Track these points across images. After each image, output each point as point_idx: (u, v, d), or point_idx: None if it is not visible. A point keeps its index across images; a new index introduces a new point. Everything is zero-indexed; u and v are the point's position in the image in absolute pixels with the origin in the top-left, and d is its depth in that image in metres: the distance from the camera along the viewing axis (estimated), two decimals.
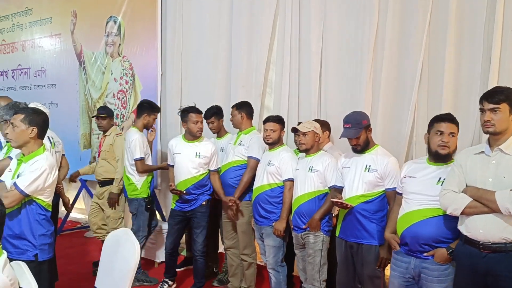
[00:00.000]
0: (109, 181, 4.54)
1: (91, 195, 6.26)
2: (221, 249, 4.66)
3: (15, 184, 2.59)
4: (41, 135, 2.74)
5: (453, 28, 3.50)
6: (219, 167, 4.02)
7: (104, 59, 6.04)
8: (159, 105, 4.97)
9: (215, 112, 4.18)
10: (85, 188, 6.29)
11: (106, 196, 4.52)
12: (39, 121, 2.71)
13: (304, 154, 3.48)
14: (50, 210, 2.78)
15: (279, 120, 3.63)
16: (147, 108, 4.33)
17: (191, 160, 3.82)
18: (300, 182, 3.36)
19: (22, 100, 4.52)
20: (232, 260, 4.05)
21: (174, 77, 5.35)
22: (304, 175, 3.34)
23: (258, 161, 3.75)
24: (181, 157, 3.82)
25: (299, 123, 3.65)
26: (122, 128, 5.78)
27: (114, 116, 5.81)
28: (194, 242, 3.97)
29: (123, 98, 5.82)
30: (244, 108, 3.98)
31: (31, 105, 4.03)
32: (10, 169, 2.74)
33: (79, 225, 6.44)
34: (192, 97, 5.05)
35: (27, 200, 2.66)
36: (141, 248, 4.33)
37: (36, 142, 2.72)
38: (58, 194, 3.97)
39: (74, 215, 6.63)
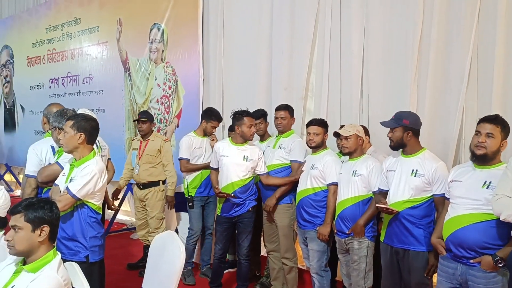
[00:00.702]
0: (152, 184, 4.67)
1: None
2: (263, 252, 4.66)
3: (67, 188, 2.68)
4: (90, 140, 2.82)
5: (502, 27, 3.36)
6: (268, 171, 4.00)
7: (148, 65, 6.20)
8: (200, 109, 5.04)
9: (263, 114, 4.24)
10: (131, 191, 6.44)
11: (151, 197, 4.68)
12: (87, 127, 2.79)
13: (347, 157, 3.45)
14: (101, 213, 2.86)
15: (322, 123, 3.62)
16: (206, 115, 4.47)
17: (239, 163, 3.82)
18: (344, 186, 3.33)
19: (71, 106, 4.70)
20: (274, 264, 4.04)
21: (215, 81, 5.42)
22: (347, 179, 3.31)
23: (301, 164, 3.74)
24: (229, 160, 3.83)
25: (341, 127, 3.62)
26: (166, 133, 5.90)
27: (158, 121, 5.98)
28: (240, 246, 3.99)
29: (166, 103, 5.95)
30: (292, 110, 4.03)
31: (80, 111, 4.19)
32: (64, 173, 2.84)
33: (125, 227, 6.62)
34: (234, 101, 5.12)
35: (79, 204, 2.74)
36: (191, 247, 4.44)
37: (86, 148, 2.80)
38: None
39: (120, 217, 6.81)
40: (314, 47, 4.56)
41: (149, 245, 3.95)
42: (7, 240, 2.06)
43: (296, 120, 4.18)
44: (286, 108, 3.99)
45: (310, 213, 3.56)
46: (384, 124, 3.03)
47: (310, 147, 3.64)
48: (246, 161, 3.83)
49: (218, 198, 3.96)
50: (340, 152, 3.74)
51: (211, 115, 4.44)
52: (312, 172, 3.55)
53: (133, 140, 5.07)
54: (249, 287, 4.17)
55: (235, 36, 5.26)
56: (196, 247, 4.63)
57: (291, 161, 3.85)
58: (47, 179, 2.99)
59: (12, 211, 2.09)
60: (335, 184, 3.43)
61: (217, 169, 3.99)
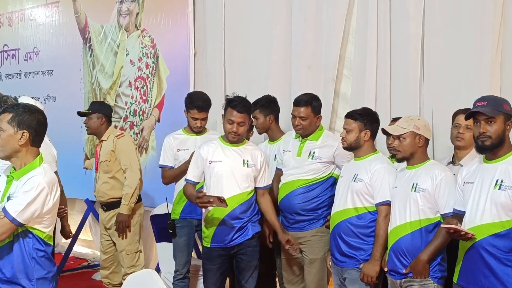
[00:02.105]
0: (116, 203, 4.68)
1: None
2: None
3: (4, 210, 2.65)
4: (35, 141, 2.81)
5: None
6: (270, 184, 4.03)
7: (116, 35, 6.20)
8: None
9: (262, 105, 4.26)
10: (93, 212, 6.45)
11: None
12: (32, 123, 2.78)
13: (403, 164, 3.43)
14: (51, 243, 2.85)
15: (361, 116, 3.60)
16: (185, 103, 4.43)
17: (238, 170, 3.82)
18: (399, 206, 3.30)
19: (9, 92, 4.73)
20: None
21: (213, 57, 5.41)
22: (404, 196, 3.28)
23: None
24: (223, 166, 3.81)
25: (393, 120, 3.57)
26: (142, 130, 5.89)
27: (130, 113, 5.97)
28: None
29: (142, 87, 5.93)
30: (317, 106, 3.99)
31: (21, 100, 4.20)
32: None
33: (86, 263, 6.60)
34: (240, 84, 5.10)
35: (20, 231, 2.72)
36: None
37: (29, 151, 2.79)
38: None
39: (79, 249, 6.82)
40: (352, 7, 4.55)
41: None
42: None
43: (325, 109, 4.17)
44: (308, 104, 3.93)
45: (351, 244, 3.53)
46: (483, 110, 2.90)
47: (344, 149, 3.69)
48: (247, 166, 3.84)
49: (205, 221, 3.90)
50: (392, 156, 3.69)
51: (190, 102, 4.39)
52: (354, 186, 3.53)
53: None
54: None
55: None
56: None
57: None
58: None
59: None
60: (388, 203, 3.41)
61: (195, 184, 3.96)
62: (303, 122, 3.93)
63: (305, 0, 4.74)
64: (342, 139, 3.64)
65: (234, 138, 3.81)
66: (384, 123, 3.78)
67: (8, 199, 2.71)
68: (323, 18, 4.66)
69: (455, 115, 3.62)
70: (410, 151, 3.30)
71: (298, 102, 3.97)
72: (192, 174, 3.92)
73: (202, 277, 4.39)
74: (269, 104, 4.29)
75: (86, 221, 6.56)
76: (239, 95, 3.96)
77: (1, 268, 2.70)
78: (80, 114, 4.90)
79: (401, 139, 3.29)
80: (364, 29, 4.41)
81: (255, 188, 3.94)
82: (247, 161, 3.84)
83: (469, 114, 2.98)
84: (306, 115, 3.92)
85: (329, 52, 4.62)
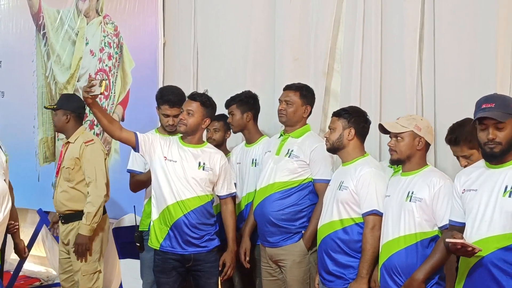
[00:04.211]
0: (74, 215, 4.65)
1: (55, 236, 6.39)
2: None
3: None
4: None
5: None
6: (234, 192, 4.13)
7: (75, 21, 6.21)
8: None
9: (241, 100, 4.33)
10: (46, 225, 6.43)
11: (73, 239, 4.62)
12: None
13: (398, 170, 3.46)
14: (0, 262, 2.84)
15: (346, 113, 3.65)
16: (156, 98, 4.48)
17: (193, 172, 3.92)
18: (393, 218, 3.32)
19: None
20: None
21: (184, 47, 5.43)
22: (398, 206, 3.30)
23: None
24: (177, 166, 3.91)
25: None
26: (102, 131, 5.89)
27: (89, 111, 5.95)
28: None
29: (106, 86, 5.91)
30: (308, 95, 4.06)
31: None
32: None
33: (38, 283, 6.61)
34: (214, 79, 5.12)
35: None
36: None
37: None
38: (7, 235, 4.08)
39: (29, 266, 6.82)
40: None
41: None
42: None
43: (315, 108, 4.20)
44: (298, 89, 4.03)
45: (339, 261, 3.55)
46: (490, 114, 2.87)
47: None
48: (203, 170, 3.93)
49: (154, 222, 4.01)
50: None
51: (160, 97, 4.43)
52: (339, 195, 3.56)
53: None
54: None
55: None
56: None
57: (315, 180, 3.91)
58: None
59: None
60: (377, 213, 3.44)
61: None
62: (288, 108, 3.98)
63: None
64: (325, 139, 3.68)
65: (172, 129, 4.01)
66: (375, 122, 3.80)
67: None
68: (311, 3, 4.68)
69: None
70: (407, 153, 3.31)
71: (287, 87, 4.06)
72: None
73: None
74: (248, 100, 4.35)
75: (39, 235, 6.55)
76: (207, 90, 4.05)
77: None
78: (46, 108, 4.94)
79: (398, 138, 3.31)
80: (354, 17, 4.42)
81: (219, 197, 4.06)
82: (203, 164, 3.93)
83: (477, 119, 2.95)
84: (292, 101, 3.99)
85: (318, 42, 4.63)
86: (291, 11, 4.77)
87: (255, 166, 4.31)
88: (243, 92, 4.41)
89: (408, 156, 3.33)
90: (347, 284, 3.53)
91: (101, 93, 3.75)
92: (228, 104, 4.36)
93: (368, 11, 4.33)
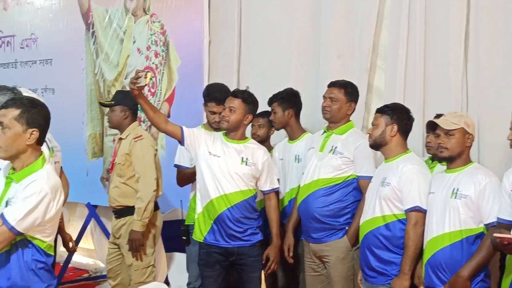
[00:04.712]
0: (126, 210, 4.67)
1: (103, 229, 6.50)
2: None
3: (2, 216, 2.72)
4: (41, 140, 2.88)
5: None
6: (277, 187, 4.13)
7: (122, 20, 6.26)
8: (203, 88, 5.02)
9: (282, 97, 4.33)
10: (95, 218, 6.54)
11: (124, 235, 4.64)
12: (41, 120, 2.85)
13: (441, 166, 3.45)
14: (52, 254, 2.91)
15: (389, 109, 3.64)
16: (203, 96, 4.51)
17: (236, 167, 3.94)
18: (437, 215, 3.31)
19: (3, 83, 4.78)
20: None
21: (228, 45, 5.46)
22: (443, 203, 3.29)
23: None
24: (221, 161, 3.94)
25: (436, 116, 3.58)
26: (150, 126, 5.94)
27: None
28: None
29: (151, 78, 5.95)
30: (353, 92, 4.04)
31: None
32: None
33: (86, 275, 6.70)
34: (258, 76, 5.13)
35: (19, 241, 2.78)
36: None
37: (33, 152, 2.86)
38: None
39: (79, 259, 6.91)
40: None
41: None
42: None
43: (358, 105, 4.19)
44: (342, 86, 4.02)
45: (381, 257, 3.56)
46: None
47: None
48: (246, 165, 3.94)
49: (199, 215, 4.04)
50: (431, 158, 3.70)
51: (207, 94, 4.48)
52: (382, 191, 3.55)
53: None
54: None
55: None
56: None
57: (359, 177, 3.90)
58: None
59: None
60: (419, 210, 3.42)
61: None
62: (332, 105, 3.98)
63: None
64: (368, 136, 3.67)
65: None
66: (418, 119, 3.79)
67: (6, 204, 2.78)
68: (354, 1, 4.68)
69: None
70: (458, 150, 3.30)
71: (332, 83, 4.05)
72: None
73: None
74: (289, 98, 4.35)
75: (87, 228, 6.64)
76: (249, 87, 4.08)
77: None
78: (102, 104, 4.94)
79: (450, 135, 3.29)
80: (399, 14, 4.41)
81: (262, 192, 4.07)
82: (246, 159, 3.95)
83: None
84: (337, 98, 3.98)
85: (362, 39, 4.63)
86: (335, 9, 4.77)
87: (298, 162, 4.32)
88: (284, 89, 4.42)
89: (458, 153, 3.31)
90: (389, 280, 3.52)
91: (146, 84, 3.80)
92: (270, 102, 4.38)
93: (413, 7, 4.32)
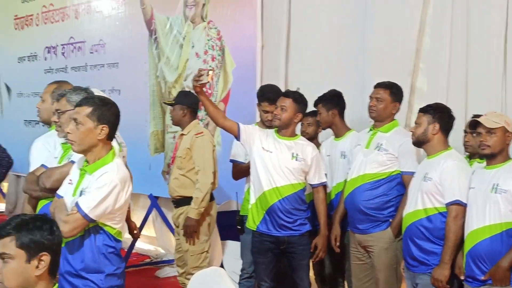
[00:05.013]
0: (186, 200, 4.73)
1: (164, 218, 6.60)
2: None
3: (77, 204, 2.79)
4: (111, 135, 2.93)
5: None
6: (325, 181, 4.13)
7: (182, 27, 6.33)
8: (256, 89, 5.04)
9: (325, 99, 4.32)
10: (156, 208, 6.64)
11: (182, 222, 4.70)
12: (111, 117, 2.91)
13: (479, 164, 3.40)
14: (121, 239, 2.99)
15: (431, 109, 3.60)
16: (257, 96, 4.57)
17: (286, 162, 3.95)
18: (477, 209, 3.26)
19: (76, 84, 4.90)
20: None
21: (279, 50, 5.45)
22: (483, 197, 3.24)
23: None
24: (273, 156, 3.95)
25: (473, 117, 3.53)
26: (207, 124, 6.00)
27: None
28: (296, 286, 4.08)
29: (212, 77, 5.99)
30: (397, 93, 4.01)
31: None
32: (70, 180, 2.97)
33: (148, 260, 6.81)
34: (307, 78, 5.13)
35: (92, 227, 2.85)
36: None
37: (104, 146, 2.92)
38: None
39: (141, 245, 7.02)
40: None
41: None
42: None
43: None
44: (388, 87, 3.99)
45: (423, 247, 3.52)
46: None
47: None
48: (296, 160, 3.94)
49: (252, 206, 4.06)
50: (469, 156, 3.65)
51: (261, 94, 4.52)
52: (424, 185, 3.52)
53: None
54: None
55: None
56: None
57: (403, 172, 3.87)
58: (57, 184, 3.07)
59: None
60: (459, 203, 3.38)
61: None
62: (378, 105, 3.94)
63: None
64: (412, 134, 3.64)
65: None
66: (459, 120, 3.74)
67: (81, 193, 2.84)
68: (398, 8, 4.64)
69: None
70: (500, 148, 3.25)
71: (378, 84, 4.02)
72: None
73: None
74: (332, 99, 4.33)
75: (149, 217, 6.75)
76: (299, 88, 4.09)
77: (70, 262, 2.83)
78: (165, 103, 4.99)
79: (492, 134, 3.24)
80: (441, 19, 4.38)
81: (311, 185, 4.07)
82: (296, 154, 3.95)
83: None
84: (383, 98, 3.94)
85: (404, 43, 4.60)
86: (379, 16, 4.75)
87: (344, 158, 4.30)
88: (328, 91, 4.39)
89: (499, 151, 3.26)
90: (430, 269, 3.48)
91: (208, 82, 3.86)
92: (315, 104, 4.36)
93: (455, 14, 4.27)
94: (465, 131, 3.83)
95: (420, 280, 3.54)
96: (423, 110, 3.63)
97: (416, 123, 3.63)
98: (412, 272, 3.61)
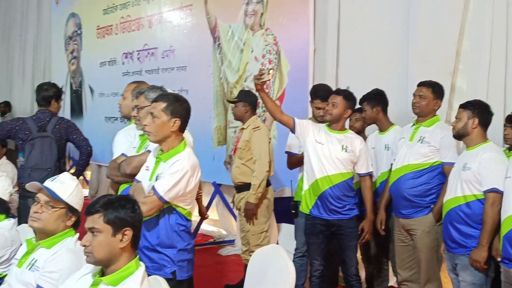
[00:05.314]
0: (246, 186, 4.79)
1: (226, 203, 6.67)
2: (392, 282, 4.62)
3: (153, 188, 2.86)
4: (182, 128, 2.98)
5: None
6: (371, 171, 4.10)
7: (242, 34, 6.37)
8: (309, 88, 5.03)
9: (370, 97, 4.27)
10: (219, 194, 6.71)
11: (244, 206, 4.76)
12: (183, 112, 2.96)
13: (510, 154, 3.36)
14: (191, 219, 3.03)
15: (471, 105, 3.52)
16: (310, 94, 4.57)
17: (337, 152, 3.92)
18: None
19: None
20: None
21: (331, 53, 5.42)
22: None
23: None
24: (324, 148, 3.94)
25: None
26: (264, 120, 6.03)
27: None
28: (345, 264, 4.06)
29: (273, 75, 6.01)
30: (439, 91, 3.94)
31: None
32: (147, 167, 3.04)
33: (212, 240, 6.89)
34: (355, 79, 5.08)
35: (166, 208, 2.91)
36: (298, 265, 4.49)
37: (177, 137, 2.97)
38: None
39: (205, 227, 7.12)
40: (468, 2, 4.39)
41: None
42: (84, 246, 2.25)
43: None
44: (430, 85, 3.91)
45: (462, 231, 3.46)
46: None
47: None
48: (346, 151, 3.92)
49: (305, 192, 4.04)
50: (509, 148, 3.57)
51: (313, 93, 4.51)
52: (463, 174, 3.46)
53: None
54: None
55: None
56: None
57: (444, 163, 3.79)
58: (136, 171, 3.15)
59: (89, 210, 2.28)
60: (496, 191, 3.30)
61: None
62: (421, 101, 3.87)
63: None
64: (452, 128, 3.57)
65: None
66: (499, 116, 3.65)
67: (156, 178, 2.90)
68: (439, 15, 4.55)
69: None
70: None
71: (421, 83, 3.95)
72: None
73: None
74: (375, 97, 4.29)
75: (213, 202, 6.83)
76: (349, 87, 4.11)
77: (148, 238, 2.90)
78: (228, 101, 5.02)
79: None
80: (480, 23, 4.25)
81: (359, 175, 4.04)
82: (346, 146, 3.92)
83: None
84: (425, 95, 3.87)
85: (445, 46, 4.50)
86: (422, 20, 4.65)
87: (387, 150, 4.24)
88: (372, 90, 4.35)
89: None
90: (469, 251, 3.42)
91: (269, 80, 3.87)
92: (360, 102, 4.31)
93: (495, 18, 4.15)
94: (505, 125, 3.75)
95: (459, 261, 3.48)
96: (463, 106, 3.55)
97: (456, 118, 3.56)
98: (452, 253, 3.55)
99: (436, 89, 3.90)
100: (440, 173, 3.82)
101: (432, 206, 3.81)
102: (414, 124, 3.98)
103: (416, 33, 4.69)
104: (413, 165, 3.84)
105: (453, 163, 3.66)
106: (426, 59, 4.62)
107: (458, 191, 3.48)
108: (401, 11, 4.85)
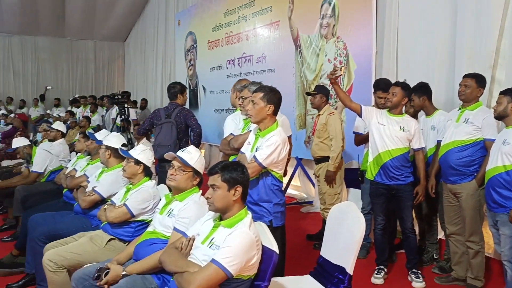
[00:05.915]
0: (323, 159, 4.77)
1: (306, 173, 6.67)
2: (440, 235, 4.45)
3: (254, 157, 2.93)
4: (275, 112, 3.03)
5: None
6: (424, 146, 3.95)
7: (318, 41, 6.30)
8: (372, 83, 4.90)
9: (416, 89, 4.10)
10: (301, 166, 6.72)
11: (322, 174, 4.77)
12: (275, 99, 3.00)
13: None
14: (282, 181, 3.08)
15: (510, 91, 3.32)
16: (373, 86, 4.47)
17: (396, 132, 3.81)
18: None
19: None
20: (456, 248, 3.86)
21: (389, 54, 5.26)
22: None
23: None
24: (386, 128, 3.84)
25: None
26: (336, 108, 5.96)
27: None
28: (403, 220, 3.97)
29: (344, 71, 5.94)
30: (482, 81, 3.72)
31: None
32: (249, 142, 3.12)
33: (295, 201, 6.93)
34: (410, 74, 4.91)
35: (263, 172, 2.98)
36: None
37: (271, 119, 3.02)
38: None
39: (290, 191, 7.15)
40: (508, 6, 4.12)
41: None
42: (207, 198, 2.36)
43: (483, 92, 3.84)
44: (473, 77, 3.72)
45: (502, 194, 3.27)
46: None
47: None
48: (403, 131, 3.80)
49: (370, 163, 3.95)
50: None
51: (376, 85, 4.39)
52: (503, 148, 3.27)
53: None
54: (425, 269, 4.08)
55: (412, 3, 5.01)
56: None
57: (485, 139, 3.60)
58: (241, 145, 3.24)
59: (210, 172, 2.39)
60: None
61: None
62: (466, 90, 3.68)
63: (466, 2, 4.39)
64: (494, 110, 3.37)
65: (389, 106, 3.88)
66: None
67: (256, 150, 2.97)
68: (482, 16, 4.28)
69: None
70: None
71: (466, 75, 3.75)
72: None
73: None
74: (420, 88, 4.13)
75: (296, 172, 6.85)
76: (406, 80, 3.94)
77: (251, 194, 2.97)
78: (307, 94, 5.01)
79: None
80: None
81: (413, 149, 3.90)
82: (403, 127, 3.80)
83: None
84: (469, 85, 3.67)
85: (486, 44, 4.24)
86: (467, 21, 4.41)
87: (433, 130, 4.08)
88: (418, 83, 4.16)
89: None
90: (508, 210, 3.24)
91: (341, 74, 3.82)
92: (409, 93, 4.11)
93: None
94: None
95: (499, 218, 3.31)
96: (503, 92, 3.34)
97: (497, 102, 3.36)
98: (493, 212, 3.38)
99: (479, 79, 3.69)
100: (481, 148, 3.62)
101: (475, 174, 3.63)
102: (460, 109, 3.79)
103: (462, 34, 4.45)
104: (459, 141, 3.67)
105: (494, 140, 3.46)
106: (470, 55, 4.38)
107: (499, 161, 3.29)
108: (448, 16, 4.61)
